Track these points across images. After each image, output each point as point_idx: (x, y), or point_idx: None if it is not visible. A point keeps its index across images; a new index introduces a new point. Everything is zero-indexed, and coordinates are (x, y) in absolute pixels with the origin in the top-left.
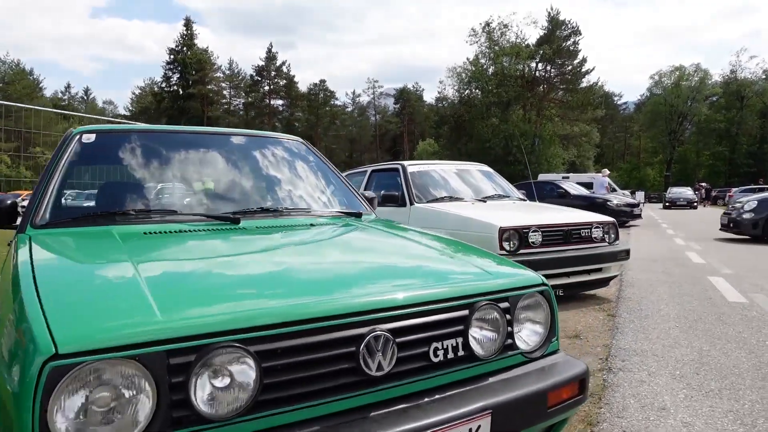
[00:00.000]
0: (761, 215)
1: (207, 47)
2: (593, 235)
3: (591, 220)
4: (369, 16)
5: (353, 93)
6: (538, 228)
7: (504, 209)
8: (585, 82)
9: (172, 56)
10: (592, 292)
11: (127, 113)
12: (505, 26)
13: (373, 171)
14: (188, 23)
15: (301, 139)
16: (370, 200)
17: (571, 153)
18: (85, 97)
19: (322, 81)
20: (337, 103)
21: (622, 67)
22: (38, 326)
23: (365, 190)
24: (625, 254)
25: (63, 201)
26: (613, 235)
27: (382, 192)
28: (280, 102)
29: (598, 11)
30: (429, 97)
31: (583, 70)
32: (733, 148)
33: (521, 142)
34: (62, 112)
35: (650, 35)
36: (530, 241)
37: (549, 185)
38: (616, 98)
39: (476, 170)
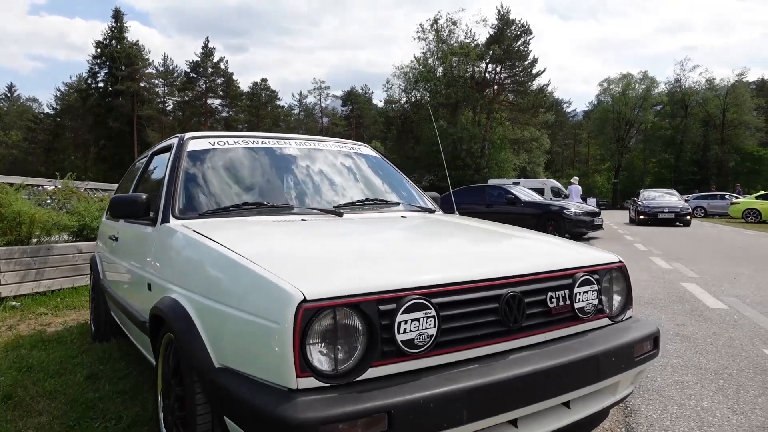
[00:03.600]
0: None
1: (137, 41)
2: (577, 303)
3: (571, 265)
4: (324, 21)
5: (299, 94)
6: (426, 295)
7: (363, 238)
8: (535, 85)
9: (99, 50)
10: None
11: (51, 111)
12: (454, 23)
13: (153, 153)
14: (117, 14)
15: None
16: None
17: (522, 158)
18: (9, 94)
19: (264, 80)
20: (281, 104)
21: (570, 76)
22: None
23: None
24: (651, 344)
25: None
26: (619, 299)
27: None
28: (218, 101)
29: (546, 22)
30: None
31: (534, 71)
32: (678, 155)
33: (470, 145)
34: None
35: (596, 47)
36: (399, 337)
37: (497, 190)
38: (565, 105)
39: (343, 152)
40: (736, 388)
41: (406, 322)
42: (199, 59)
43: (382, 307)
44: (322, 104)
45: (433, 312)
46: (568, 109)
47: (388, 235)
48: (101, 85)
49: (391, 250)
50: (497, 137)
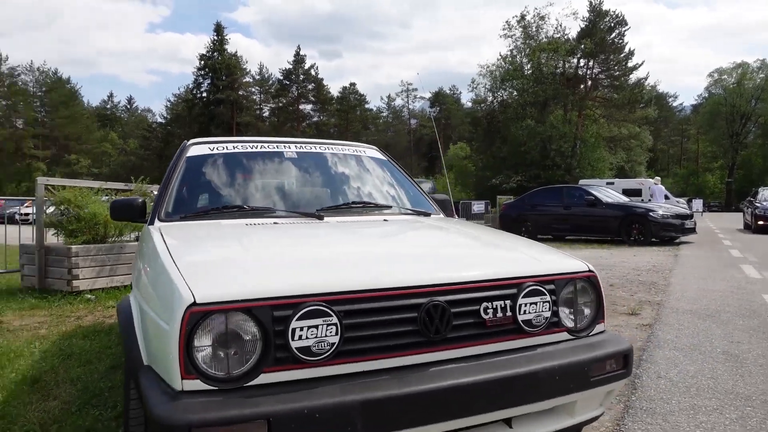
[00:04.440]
0: None
1: (236, 52)
2: (522, 315)
3: (515, 274)
4: (414, 24)
5: (388, 97)
6: (328, 302)
7: (308, 243)
8: (633, 79)
9: (202, 62)
10: None
11: (162, 120)
12: (542, 18)
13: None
14: (219, 28)
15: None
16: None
17: (619, 157)
18: (128, 106)
19: (352, 84)
20: (370, 107)
21: (677, 68)
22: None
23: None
24: (619, 363)
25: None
26: (585, 311)
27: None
28: (309, 106)
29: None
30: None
31: (630, 64)
32: None
33: (560, 145)
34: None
35: (707, 35)
36: (293, 344)
37: (577, 191)
38: (670, 99)
39: (344, 155)
40: (761, 418)
41: (302, 328)
42: (291, 66)
43: (276, 313)
44: (410, 106)
45: (334, 319)
46: (674, 104)
47: (339, 240)
48: (204, 94)
49: (320, 255)
50: (590, 135)
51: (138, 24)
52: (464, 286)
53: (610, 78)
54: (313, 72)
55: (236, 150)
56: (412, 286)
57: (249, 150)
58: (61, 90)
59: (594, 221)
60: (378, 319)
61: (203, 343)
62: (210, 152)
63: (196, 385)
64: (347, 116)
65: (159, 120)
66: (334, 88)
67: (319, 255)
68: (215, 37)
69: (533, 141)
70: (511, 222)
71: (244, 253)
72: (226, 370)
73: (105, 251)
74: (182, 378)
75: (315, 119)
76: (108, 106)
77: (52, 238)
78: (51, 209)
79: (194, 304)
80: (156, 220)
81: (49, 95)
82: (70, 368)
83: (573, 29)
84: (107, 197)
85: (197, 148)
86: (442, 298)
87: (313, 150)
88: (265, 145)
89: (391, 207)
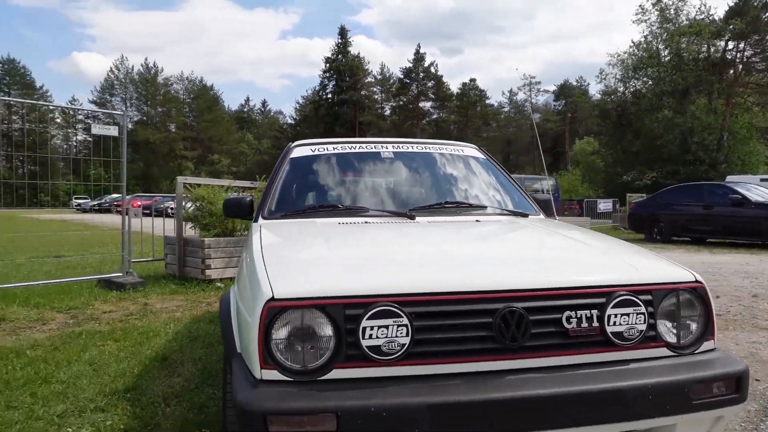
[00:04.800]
0: None
1: (359, 53)
2: (612, 327)
3: (605, 282)
4: (538, 15)
5: (509, 92)
6: (399, 303)
7: (393, 242)
8: None
9: (327, 65)
10: None
11: (292, 121)
12: None
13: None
14: (343, 32)
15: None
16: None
17: None
18: (263, 109)
19: (472, 80)
20: (491, 102)
21: None
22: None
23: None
24: (731, 386)
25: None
26: (691, 326)
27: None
28: (429, 104)
29: None
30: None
31: None
32: None
33: (703, 137)
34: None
35: None
36: (364, 342)
37: (720, 189)
38: None
39: (442, 155)
40: None
41: (372, 328)
42: (411, 65)
43: (348, 312)
44: (533, 100)
45: (405, 320)
46: None
47: (423, 240)
48: (329, 95)
49: (399, 255)
50: (740, 126)
51: (271, 32)
52: (544, 293)
53: (766, 61)
54: (432, 69)
55: (335, 151)
56: (486, 290)
57: (347, 151)
58: (206, 96)
59: (740, 222)
60: (450, 323)
61: (280, 336)
62: (311, 153)
63: (274, 375)
64: (467, 113)
65: (289, 121)
66: (454, 85)
67: (398, 255)
68: (339, 41)
69: (671, 134)
70: (642, 222)
71: (327, 252)
72: (302, 363)
73: (233, 244)
74: (261, 368)
75: (434, 116)
76: (245, 110)
77: (190, 231)
78: (189, 205)
79: (272, 299)
80: (260, 217)
81: (196, 101)
82: (195, 349)
83: (719, 9)
84: (235, 194)
85: (300, 149)
86: (519, 305)
87: (411, 150)
88: (364, 145)
89: (485, 207)
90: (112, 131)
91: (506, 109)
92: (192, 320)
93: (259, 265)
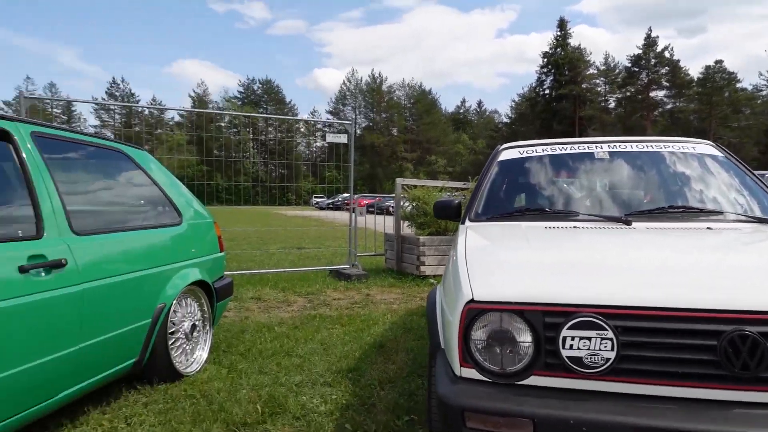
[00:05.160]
0: None
1: (579, 44)
2: None
3: None
4: None
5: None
6: (604, 315)
7: (603, 250)
8: None
9: (545, 59)
10: None
11: (507, 120)
12: None
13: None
14: (562, 23)
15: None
16: None
17: None
18: (478, 109)
19: (718, 62)
20: (743, 86)
21: None
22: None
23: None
24: None
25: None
26: None
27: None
28: (662, 93)
29: None
30: None
31: None
32: None
33: None
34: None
35: None
36: (564, 352)
37: None
38: None
39: (668, 154)
40: None
41: (573, 338)
42: (641, 51)
43: (548, 319)
44: None
45: (610, 334)
46: None
47: (638, 249)
48: (547, 91)
49: (608, 264)
50: None
51: (487, 32)
52: None
53: None
54: (667, 54)
55: (545, 153)
56: (710, 309)
57: (558, 152)
58: (425, 100)
59: None
60: (664, 342)
61: (479, 337)
62: (519, 156)
63: (472, 373)
64: (710, 100)
65: (504, 120)
66: (694, 69)
67: (608, 263)
68: (558, 33)
69: None
70: None
71: (530, 256)
72: (500, 366)
73: (446, 242)
74: (460, 365)
75: (669, 107)
76: (461, 111)
77: (407, 229)
78: (407, 204)
79: (472, 300)
80: (467, 219)
81: (415, 106)
82: (408, 340)
83: None
84: (448, 195)
85: (508, 152)
86: (753, 329)
87: (629, 149)
88: (576, 146)
89: (721, 213)
90: (342, 139)
91: (765, 93)
92: (407, 313)
93: (462, 266)
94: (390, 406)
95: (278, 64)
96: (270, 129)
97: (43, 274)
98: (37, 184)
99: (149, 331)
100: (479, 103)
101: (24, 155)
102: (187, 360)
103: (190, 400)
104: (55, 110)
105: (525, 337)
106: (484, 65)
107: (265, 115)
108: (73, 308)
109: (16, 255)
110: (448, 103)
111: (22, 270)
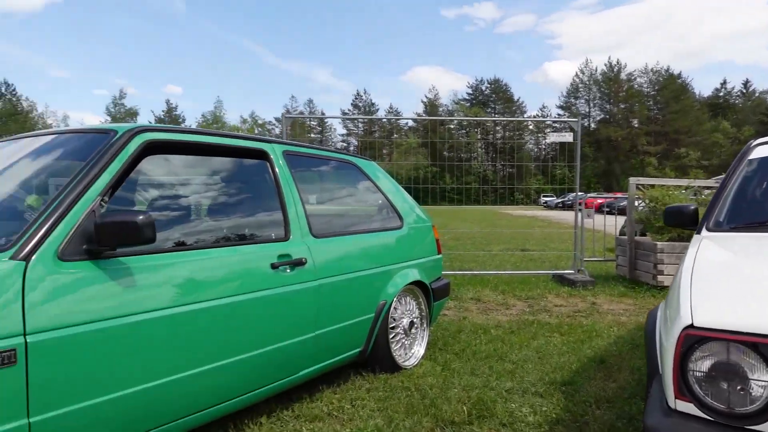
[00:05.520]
0: None
1: None
2: None
3: None
4: None
5: None
6: None
7: None
8: None
9: None
10: None
11: None
12: None
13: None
14: None
15: None
16: None
17: None
18: (744, 90)
19: None
20: None
21: None
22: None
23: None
24: None
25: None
26: None
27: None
28: None
29: None
30: None
31: None
32: None
33: None
34: None
35: None
36: None
37: None
38: None
39: None
40: None
41: None
42: None
43: None
44: None
45: None
46: None
47: None
48: None
49: None
50: None
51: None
52: None
53: None
54: None
55: None
56: None
57: None
58: (672, 86)
59: None
60: None
61: (699, 368)
62: None
63: (690, 408)
64: None
65: None
66: None
67: None
68: None
69: None
70: None
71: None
72: (726, 404)
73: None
74: (675, 397)
75: None
76: (720, 94)
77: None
78: (642, 205)
79: (691, 326)
80: (703, 229)
81: (661, 93)
82: (634, 358)
83: None
84: (695, 195)
85: (763, 149)
86: None
87: None
88: None
89: None
90: (567, 137)
91: None
92: (636, 327)
93: (685, 284)
94: (604, 428)
95: (506, 62)
96: (498, 128)
97: (288, 270)
98: (286, 195)
99: (372, 324)
100: (746, 83)
101: (277, 170)
102: (406, 354)
103: (406, 391)
104: (312, 122)
105: (759, 375)
106: (752, 37)
107: (495, 118)
108: (310, 301)
109: (270, 254)
110: (703, 87)
111: (273, 266)
